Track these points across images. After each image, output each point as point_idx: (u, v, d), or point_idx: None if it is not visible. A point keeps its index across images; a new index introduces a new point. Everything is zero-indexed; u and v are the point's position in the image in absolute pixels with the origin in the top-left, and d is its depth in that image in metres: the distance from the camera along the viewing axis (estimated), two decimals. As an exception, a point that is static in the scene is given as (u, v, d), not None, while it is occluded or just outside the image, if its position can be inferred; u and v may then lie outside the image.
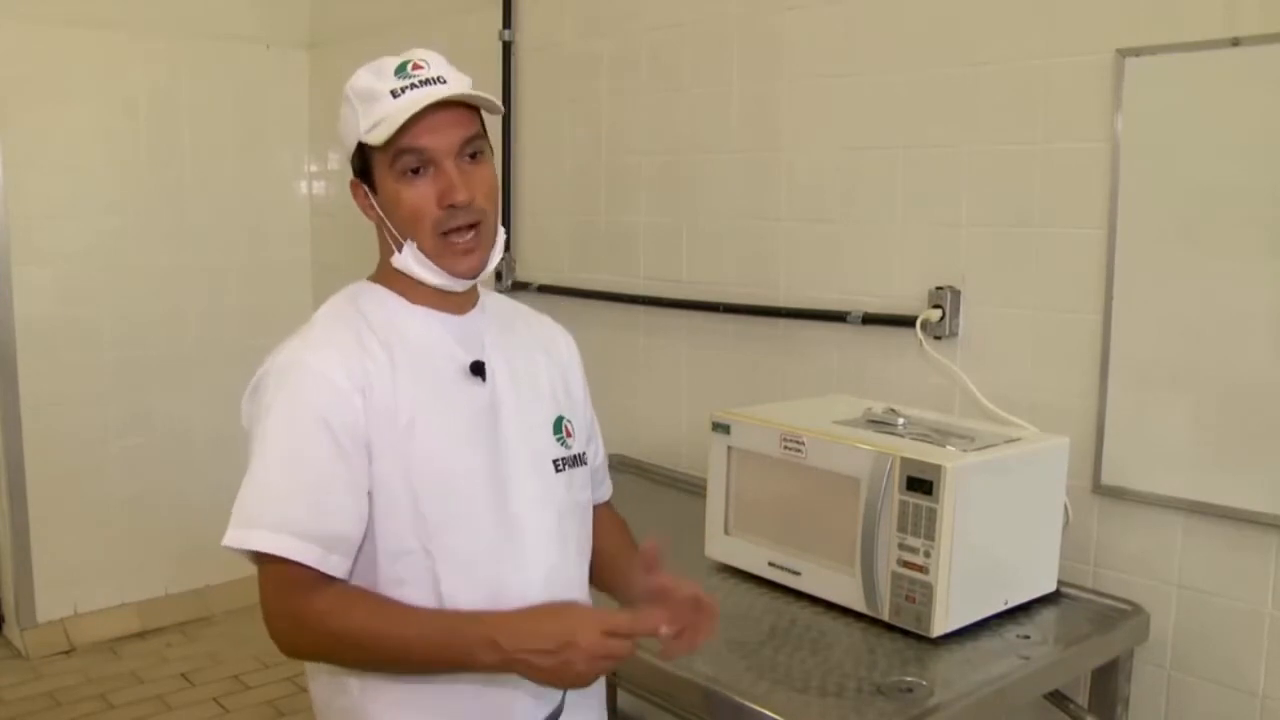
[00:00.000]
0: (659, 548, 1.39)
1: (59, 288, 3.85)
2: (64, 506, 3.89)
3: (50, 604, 3.91)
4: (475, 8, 3.37)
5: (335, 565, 1.27)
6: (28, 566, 3.86)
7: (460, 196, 1.30)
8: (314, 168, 4.38)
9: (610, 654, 1.22)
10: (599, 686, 1.56)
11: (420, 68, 1.32)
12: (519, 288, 3.25)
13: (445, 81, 1.32)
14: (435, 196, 1.31)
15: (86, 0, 3.78)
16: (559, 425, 1.47)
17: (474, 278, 1.38)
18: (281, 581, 1.26)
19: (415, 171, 1.31)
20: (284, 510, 1.26)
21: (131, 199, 3.97)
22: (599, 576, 1.55)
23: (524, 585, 1.36)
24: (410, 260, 1.35)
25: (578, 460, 1.49)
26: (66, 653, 3.86)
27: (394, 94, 1.30)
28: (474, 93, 1.33)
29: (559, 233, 3.23)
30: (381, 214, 1.36)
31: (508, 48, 3.29)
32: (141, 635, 4.02)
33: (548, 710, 1.42)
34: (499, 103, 1.38)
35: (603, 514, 1.62)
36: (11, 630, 3.91)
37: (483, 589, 1.33)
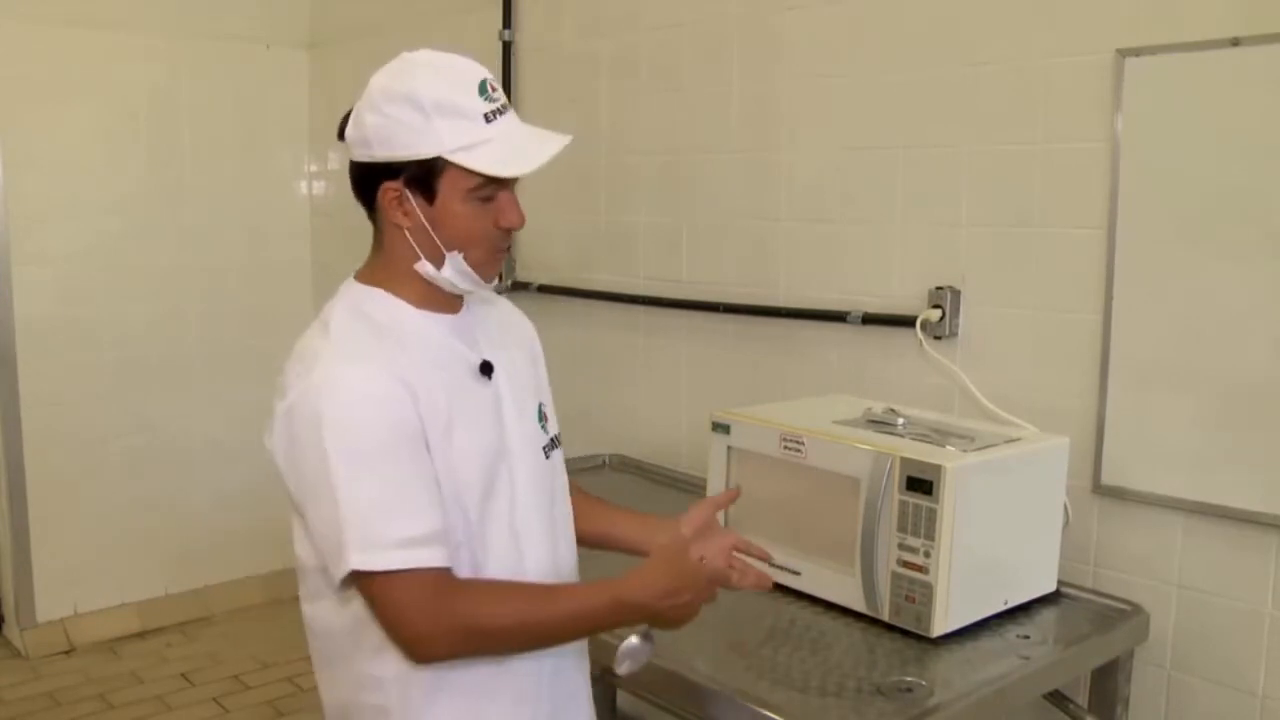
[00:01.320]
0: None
1: (59, 288, 3.85)
2: (64, 506, 3.89)
3: (50, 604, 3.91)
4: (475, 8, 3.37)
5: (452, 558, 1.32)
6: (28, 566, 3.86)
7: (520, 224, 1.38)
8: (314, 168, 4.38)
9: (713, 598, 1.42)
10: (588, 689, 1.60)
11: (496, 89, 1.35)
12: (519, 288, 3.25)
13: (510, 107, 1.37)
14: (494, 219, 1.36)
15: (86, 0, 3.78)
16: (541, 412, 1.52)
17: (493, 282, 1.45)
18: (417, 592, 1.28)
19: (491, 199, 1.35)
20: (395, 525, 1.28)
21: (131, 199, 3.97)
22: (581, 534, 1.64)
23: (537, 562, 1.44)
24: (452, 272, 1.37)
25: (556, 442, 1.54)
26: (66, 653, 3.86)
27: (486, 118, 1.32)
28: (565, 141, 1.37)
29: (559, 233, 3.23)
30: (428, 226, 1.35)
31: (508, 48, 3.29)
32: (141, 635, 4.02)
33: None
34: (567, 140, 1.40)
35: (575, 486, 1.68)
36: (11, 630, 3.91)
37: (506, 570, 1.40)
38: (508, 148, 1.32)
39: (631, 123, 2.95)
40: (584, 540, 1.61)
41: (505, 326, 1.55)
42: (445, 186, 1.33)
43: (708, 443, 2.13)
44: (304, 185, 4.41)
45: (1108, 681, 1.96)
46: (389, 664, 1.35)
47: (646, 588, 1.35)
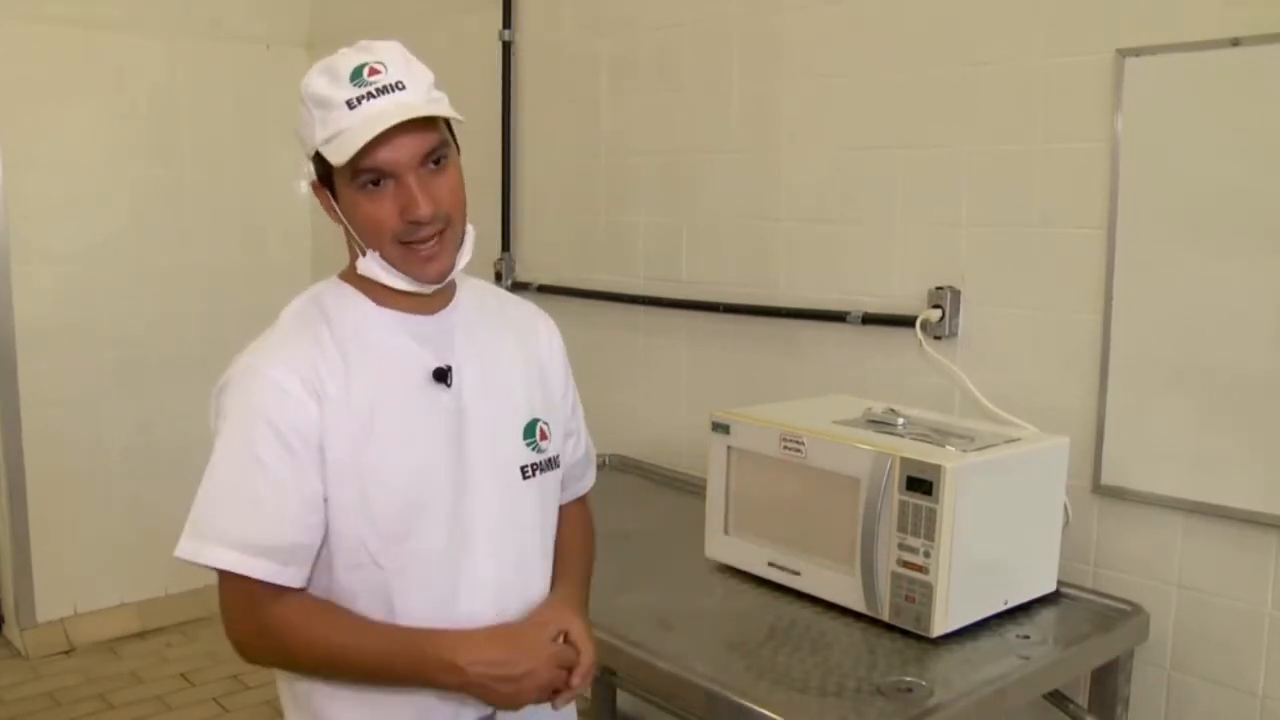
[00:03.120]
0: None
1: (59, 288, 3.85)
2: (64, 506, 3.89)
3: (50, 604, 3.91)
4: (475, 8, 3.37)
5: (292, 576, 1.26)
6: (28, 566, 3.86)
7: (422, 211, 1.25)
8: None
9: (553, 685, 1.30)
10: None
11: (377, 72, 1.25)
12: (519, 288, 3.25)
13: (404, 87, 1.25)
14: (397, 210, 1.26)
15: (86, 0, 3.78)
16: (532, 429, 1.42)
17: (440, 282, 1.33)
18: (239, 595, 1.26)
19: (375, 184, 1.26)
20: (238, 524, 1.24)
21: (131, 199, 3.97)
22: None
23: (472, 601, 1.34)
24: (375, 267, 1.30)
25: (550, 464, 1.44)
26: (66, 653, 3.86)
27: (350, 105, 1.24)
28: (431, 111, 1.26)
29: (559, 233, 3.23)
30: (345, 221, 1.32)
31: (508, 48, 3.29)
32: (141, 635, 4.02)
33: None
34: (457, 114, 1.31)
35: (568, 513, 1.56)
36: (11, 630, 3.91)
37: (433, 604, 1.31)
38: (363, 132, 1.22)
39: (631, 123, 2.95)
40: None
41: (508, 337, 1.45)
42: (338, 180, 1.28)
43: (708, 443, 2.13)
44: (304, 185, 4.40)
45: (1108, 681, 1.96)
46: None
47: (466, 650, 1.24)
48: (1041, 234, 2.11)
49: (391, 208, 1.26)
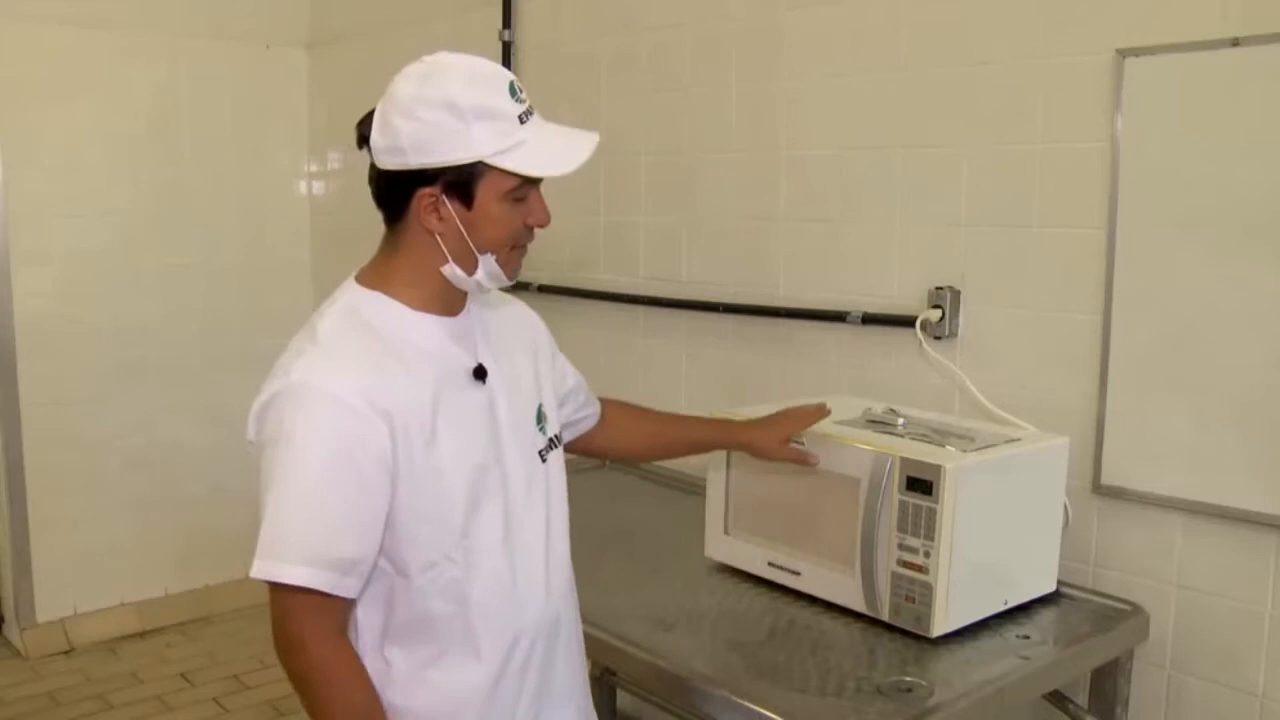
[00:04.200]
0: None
1: (59, 288, 3.85)
2: (64, 506, 3.89)
3: (50, 604, 3.91)
4: (475, 7, 3.37)
5: (349, 587, 1.32)
6: (28, 566, 3.86)
7: (547, 221, 1.41)
8: (314, 168, 4.38)
9: None
10: (581, 686, 1.60)
11: (523, 90, 1.36)
12: (519, 288, 3.24)
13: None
14: (524, 218, 1.38)
15: (86, 0, 3.78)
16: (540, 415, 1.52)
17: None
18: (299, 607, 1.31)
19: (523, 198, 1.37)
20: (308, 541, 1.29)
21: (131, 199, 3.97)
22: (665, 450, 1.95)
23: (527, 584, 1.45)
24: (483, 274, 1.39)
25: (555, 442, 1.54)
26: (66, 653, 3.86)
27: (520, 119, 1.33)
28: (594, 142, 1.41)
29: (559, 233, 3.21)
30: (463, 229, 1.35)
31: (508, 47, 3.29)
32: (141, 635, 4.02)
33: None
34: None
35: (611, 409, 1.83)
36: (11, 630, 3.91)
37: (498, 592, 1.41)
38: (544, 148, 1.34)
39: (631, 123, 2.95)
40: (656, 454, 1.98)
41: (509, 328, 1.54)
42: (483, 190, 1.34)
43: (708, 443, 2.12)
44: (304, 185, 4.41)
45: (1108, 681, 1.95)
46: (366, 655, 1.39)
47: None
48: (1041, 234, 2.11)
49: (522, 218, 1.39)
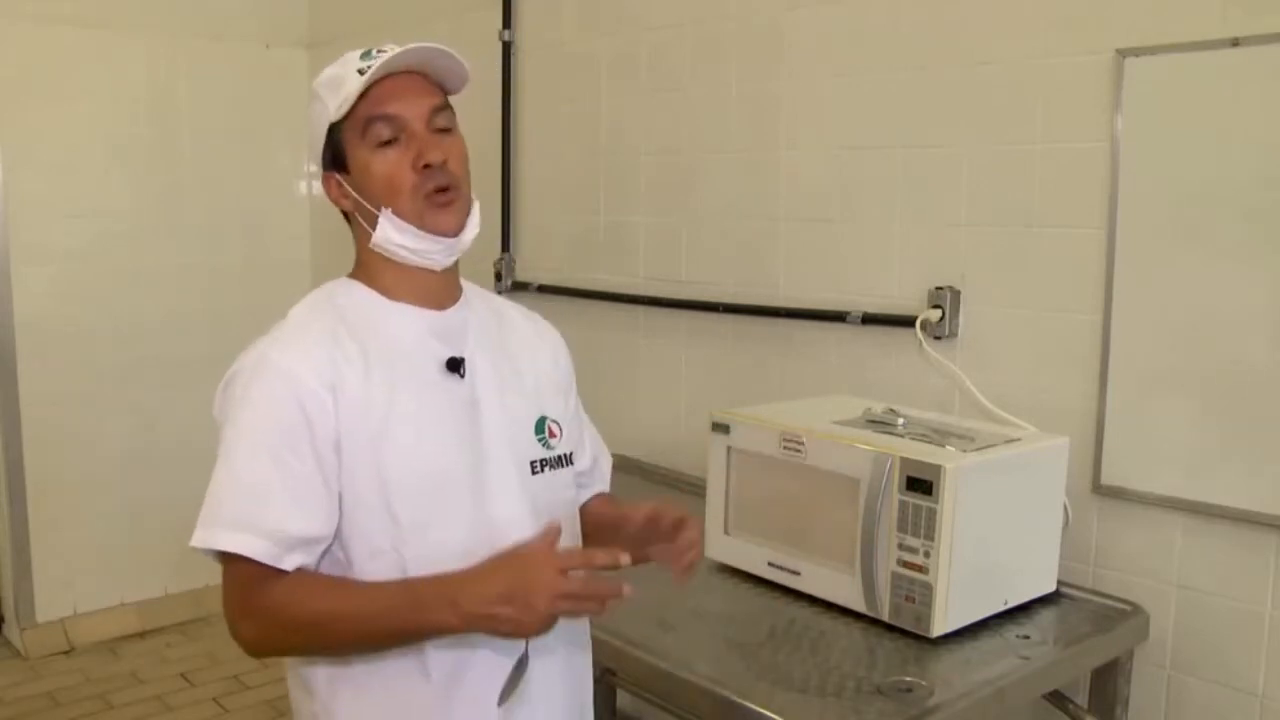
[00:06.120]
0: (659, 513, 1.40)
1: (59, 288, 3.85)
2: (64, 506, 3.89)
3: (50, 604, 3.91)
4: (475, 7, 3.37)
5: (292, 563, 1.26)
6: (28, 566, 3.86)
7: (434, 156, 1.30)
8: (314, 168, 4.34)
9: (569, 592, 1.17)
10: (579, 632, 1.50)
11: (385, 51, 1.31)
12: (519, 288, 3.25)
13: (395, 48, 1.33)
14: (410, 161, 1.31)
15: (86, 0, 3.78)
16: (541, 425, 1.44)
17: (457, 234, 1.34)
18: (239, 578, 1.26)
19: (388, 143, 1.31)
20: (245, 509, 1.25)
21: (131, 199, 3.97)
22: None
23: None
24: (389, 229, 1.31)
25: (561, 461, 1.45)
26: (66, 653, 3.86)
27: (360, 73, 1.30)
28: (431, 45, 1.32)
29: (559, 233, 3.23)
30: (356, 195, 1.34)
31: (507, 47, 3.29)
32: (141, 635, 4.02)
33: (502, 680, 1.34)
34: (463, 61, 1.35)
35: (594, 500, 1.57)
36: (11, 630, 3.91)
37: None
38: (370, 80, 1.29)
39: (631, 123, 2.95)
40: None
41: (517, 336, 1.48)
42: (350, 150, 1.33)
43: (708, 443, 2.13)
44: (304, 185, 4.41)
45: (1108, 681, 1.96)
46: (317, 664, 1.34)
47: (460, 586, 1.20)
48: (1041, 234, 2.11)
49: (405, 160, 1.31)
